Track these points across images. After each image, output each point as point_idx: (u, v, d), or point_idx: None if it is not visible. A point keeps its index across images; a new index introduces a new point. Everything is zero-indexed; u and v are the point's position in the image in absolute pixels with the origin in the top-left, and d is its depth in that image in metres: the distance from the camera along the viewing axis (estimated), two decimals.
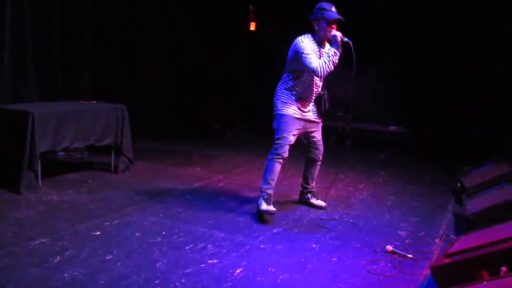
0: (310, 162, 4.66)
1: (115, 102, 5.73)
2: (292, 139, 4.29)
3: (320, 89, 4.42)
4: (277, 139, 4.28)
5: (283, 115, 4.28)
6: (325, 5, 4.15)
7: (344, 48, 4.16)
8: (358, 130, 8.65)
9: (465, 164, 6.13)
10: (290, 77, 4.29)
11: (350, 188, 5.53)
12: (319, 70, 4.05)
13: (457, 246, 3.29)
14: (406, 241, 3.89)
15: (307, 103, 4.34)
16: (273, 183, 4.29)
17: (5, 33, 5.62)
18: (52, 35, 6.28)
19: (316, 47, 4.22)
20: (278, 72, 4.51)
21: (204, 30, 8.75)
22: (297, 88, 4.28)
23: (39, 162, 4.64)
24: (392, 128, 8.28)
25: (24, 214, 4.07)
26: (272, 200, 4.30)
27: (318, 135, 4.53)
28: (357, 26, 8.26)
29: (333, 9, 4.14)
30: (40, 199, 4.49)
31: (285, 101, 4.28)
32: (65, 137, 4.89)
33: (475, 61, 7.85)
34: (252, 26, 9.88)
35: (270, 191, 4.28)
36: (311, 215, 4.47)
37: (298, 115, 4.30)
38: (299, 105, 4.30)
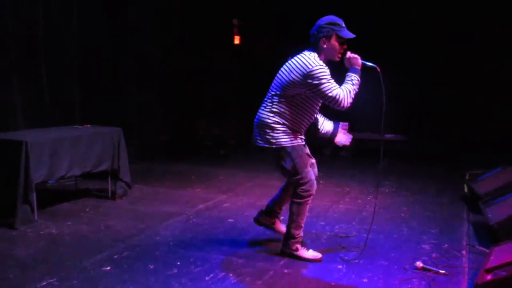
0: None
1: (105, 124, 5.46)
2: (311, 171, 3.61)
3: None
4: (301, 178, 3.51)
5: (293, 147, 3.50)
6: (338, 20, 3.44)
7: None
8: (352, 140, 8.47)
9: (465, 168, 6.06)
10: (283, 101, 3.49)
11: (359, 201, 5.37)
12: (345, 101, 3.34)
13: (494, 260, 3.15)
14: (433, 255, 3.74)
15: (303, 132, 3.63)
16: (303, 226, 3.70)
17: None
18: (39, 58, 5.97)
19: None
20: (265, 86, 3.72)
21: (191, 46, 8.56)
22: (295, 115, 3.51)
23: (34, 193, 4.34)
24: (388, 136, 8.16)
25: (24, 252, 3.75)
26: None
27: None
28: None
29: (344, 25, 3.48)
30: (38, 233, 4.18)
31: (285, 130, 3.50)
32: (61, 165, 4.60)
33: (469, 61, 7.82)
34: (237, 40, 9.72)
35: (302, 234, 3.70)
36: (328, 233, 4.29)
37: (303, 143, 3.61)
38: (300, 133, 3.59)
